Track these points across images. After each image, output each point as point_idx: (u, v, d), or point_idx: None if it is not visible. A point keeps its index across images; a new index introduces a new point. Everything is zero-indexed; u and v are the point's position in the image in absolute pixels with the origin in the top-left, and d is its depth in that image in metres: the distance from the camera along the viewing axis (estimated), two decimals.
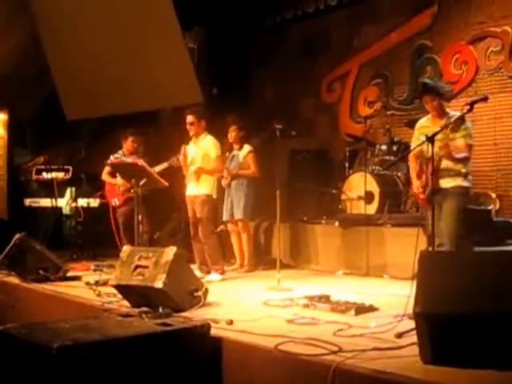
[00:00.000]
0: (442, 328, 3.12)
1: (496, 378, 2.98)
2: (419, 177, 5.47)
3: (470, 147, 5.30)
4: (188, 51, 8.97)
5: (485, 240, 5.92)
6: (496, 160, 7.68)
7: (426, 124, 5.56)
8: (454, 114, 5.46)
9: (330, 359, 3.33)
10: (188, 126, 6.85)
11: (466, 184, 5.39)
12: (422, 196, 5.41)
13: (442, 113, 5.43)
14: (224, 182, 7.46)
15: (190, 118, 6.83)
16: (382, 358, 3.32)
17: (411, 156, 5.62)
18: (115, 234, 7.88)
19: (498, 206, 7.38)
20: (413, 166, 5.60)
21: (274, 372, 3.57)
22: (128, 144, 7.93)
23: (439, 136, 5.21)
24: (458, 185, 5.33)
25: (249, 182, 7.47)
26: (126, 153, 7.94)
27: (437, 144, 5.20)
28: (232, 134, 7.54)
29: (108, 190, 8.13)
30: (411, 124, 6.27)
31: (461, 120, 5.15)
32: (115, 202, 7.90)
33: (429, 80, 5.93)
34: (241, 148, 7.56)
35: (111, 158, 7.86)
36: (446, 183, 5.33)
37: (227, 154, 7.66)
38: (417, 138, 5.53)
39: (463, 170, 5.35)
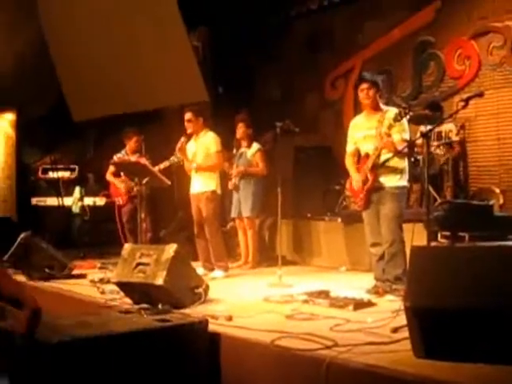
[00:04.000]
0: (433, 322, 3.14)
1: (487, 371, 3.01)
2: (358, 170, 5.50)
3: (405, 142, 5.30)
4: (193, 50, 9.02)
5: (486, 235, 5.91)
6: (499, 155, 7.65)
7: (358, 121, 5.62)
8: (388, 108, 5.53)
9: (324, 354, 3.38)
10: (186, 123, 6.92)
11: (402, 183, 5.41)
12: (361, 196, 5.42)
13: (376, 106, 5.46)
14: (230, 184, 7.53)
15: (187, 115, 6.91)
16: (376, 353, 3.36)
17: (347, 154, 5.66)
18: (120, 232, 7.96)
19: (501, 201, 7.35)
20: (350, 161, 5.61)
21: (270, 367, 3.62)
22: (131, 143, 8.02)
23: (373, 132, 5.31)
24: (395, 185, 5.35)
25: (257, 180, 7.54)
26: (128, 152, 8.03)
27: (372, 141, 5.29)
28: (240, 131, 7.61)
29: (113, 189, 8.23)
30: (414, 119, 6.29)
31: (405, 110, 5.15)
32: (119, 200, 8.00)
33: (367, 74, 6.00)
34: (249, 146, 7.63)
35: (114, 157, 7.96)
36: (383, 181, 5.34)
37: (234, 151, 7.73)
38: (350, 137, 5.64)
39: (400, 166, 5.36)
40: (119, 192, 8.02)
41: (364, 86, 5.43)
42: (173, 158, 7.11)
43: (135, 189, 7.11)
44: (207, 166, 6.84)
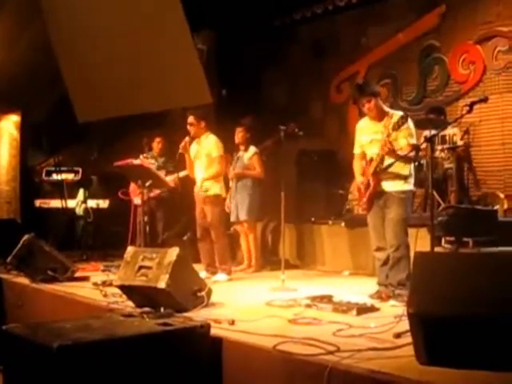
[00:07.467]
0: (436, 328, 3.12)
1: (490, 378, 2.98)
2: (364, 174, 5.44)
3: (411, 147, 5.18)
4: (197, 52, 9.02)
5: (490, 241, 5.89)
6: (504, 160, 7.63)
7: (364, 124, 5.53)
8: (394, 112, 5.43)
9: (326, 359, 3.35)
10: (188, 127, 6.98)
11: (407, 187, 5.32)
12: (364, 199, 5.37)
13: (381, 113, 5.36)
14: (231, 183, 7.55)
15: (189, 119, 6.98)
16: (379, 358, 3.33)
17: (356, 157, 5.60)
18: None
19: (506, 206, 7.33)
20: (357, 165, 5.55)
21: (273, 372, 3.60)
22: (155, 145, 8.14)
23: (379, 136, 5.23)
24: (399, 189, 5.26)
25: (253, 183, 7.54)
26: (155, 154, 8.20)
27: (378, 145, 5.23)
28: (239, 135, 7.64)
29: (132, 188, 8.16)
30: (419, 124, 6.27)
31: (402, 119, 5.06)
32: (137, 200, 7.96)
33: (361, 82, 5.87)
34: (246, 149, 7.65)
35: (141, 156, 8.02)
36: (387, 186, 5.28)
37: (234, 154, 7.75)
38: (357, 140, 5.57)
39: (403, 172, 5.25)
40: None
41: (363, 100, 5.33)
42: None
43: (138, 191, 7.12)
44: (211, 176, 6.88)
